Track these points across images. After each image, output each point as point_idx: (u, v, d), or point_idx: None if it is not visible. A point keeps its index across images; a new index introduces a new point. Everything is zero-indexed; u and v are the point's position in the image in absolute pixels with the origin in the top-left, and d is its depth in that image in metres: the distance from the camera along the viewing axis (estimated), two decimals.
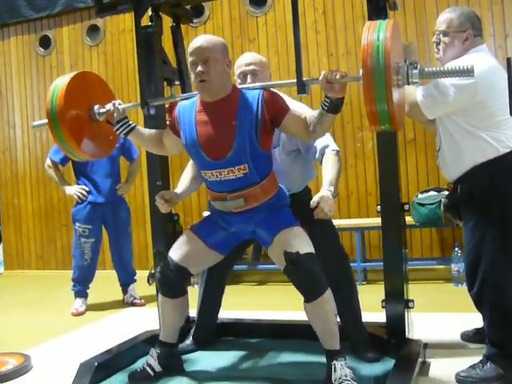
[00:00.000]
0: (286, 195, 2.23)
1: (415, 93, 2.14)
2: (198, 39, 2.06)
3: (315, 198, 2.17)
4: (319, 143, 2.34)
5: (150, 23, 2.50)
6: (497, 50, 4.27)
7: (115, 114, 2.20)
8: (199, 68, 2.01)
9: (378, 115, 1.72)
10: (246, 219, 2.15)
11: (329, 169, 2.29)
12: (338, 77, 1.83)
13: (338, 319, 2.14)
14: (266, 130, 2.04)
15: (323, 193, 2.18)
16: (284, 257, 2.02)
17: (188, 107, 2.15)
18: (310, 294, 2.02)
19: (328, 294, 2.04)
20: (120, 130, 2.22)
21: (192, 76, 2.07)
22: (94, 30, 5.66)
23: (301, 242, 2.06)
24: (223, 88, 2.06)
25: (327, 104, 1.89)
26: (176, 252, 2.20)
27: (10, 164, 6.10)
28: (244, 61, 2.35)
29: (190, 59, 2.06)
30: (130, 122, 2.23)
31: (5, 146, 6.13)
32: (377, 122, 1.75)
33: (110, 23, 5.57)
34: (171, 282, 2.20)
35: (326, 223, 2.48)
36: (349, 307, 2.41)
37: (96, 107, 2.27)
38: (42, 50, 5.89)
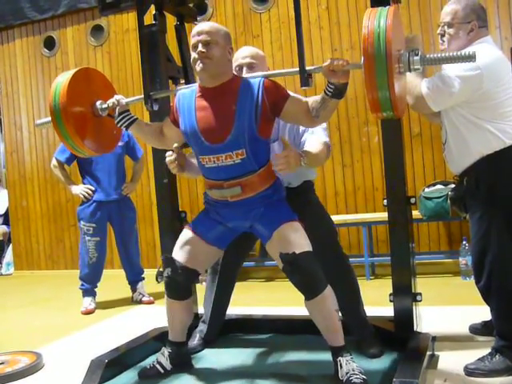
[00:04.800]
0: (282, 187, 2.21)
1: (420, 85, 2.13)
2: (202, 24, 2.08)
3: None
4: (310, 136, 2.28)
5: (153, 22, 2.50)
6: (503, 42, 4.24)
7: (117, 108, 2.20)
8: (200, 48, 2.01)
9: (379, 102, 1.71)
10: (242, 215, 2.14)
11: (311, 146, 2.19)
12: (340, 65, 1.81)
13: (340, 314, 2.14)
14: (265, 117, 2.03)
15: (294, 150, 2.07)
16: (280, 258, 2.02)
17: (188, 94, 2.15)
18: (309, 293, 2.03)
19: (327, 291, 2.04)
20: (121, 122, 2.21)
21: (192, 59, 2.04)
22: (98, 30, 5.68)
23: (298, 240, 2.04)
24: (223, 72, 2.05)
25: (331, 90, 1.89)
26: (181, 254, 2.18)
27: (18, 165, 6.13)
28: (240, 54, 2.34)
29: (192, 42, 2.05)
30: (132, 115, 2.22)
31: (12, 148, 6.16)
32: (378, 109, 1.74)
33: (113, 23, 5.58)
34: (180, 286, 2.20)
35: (323, 218, 2.47)
36: (350, 302, 2.40)
37: (98, 103, 2.27)
38: (47, 51, 5.92)
